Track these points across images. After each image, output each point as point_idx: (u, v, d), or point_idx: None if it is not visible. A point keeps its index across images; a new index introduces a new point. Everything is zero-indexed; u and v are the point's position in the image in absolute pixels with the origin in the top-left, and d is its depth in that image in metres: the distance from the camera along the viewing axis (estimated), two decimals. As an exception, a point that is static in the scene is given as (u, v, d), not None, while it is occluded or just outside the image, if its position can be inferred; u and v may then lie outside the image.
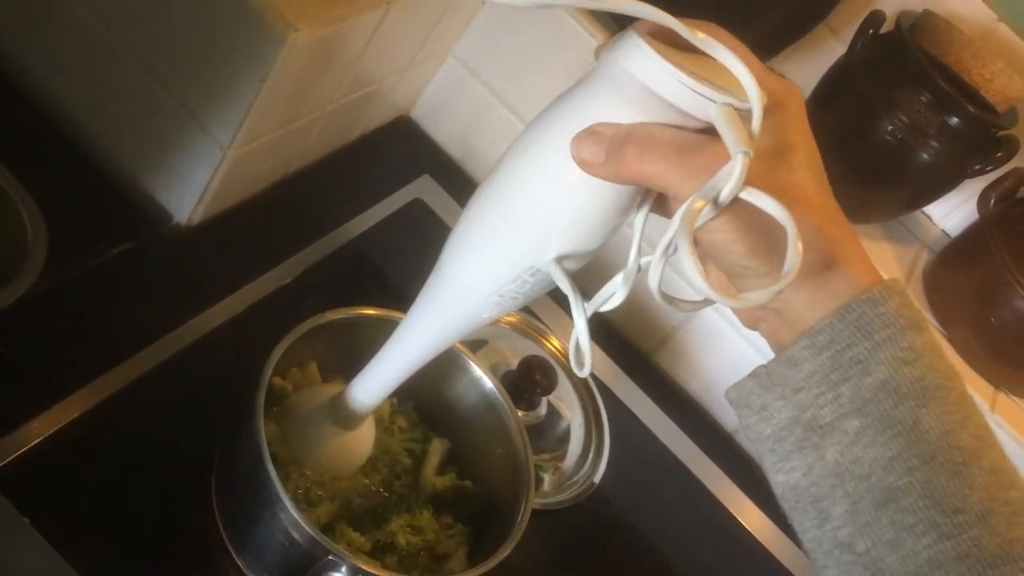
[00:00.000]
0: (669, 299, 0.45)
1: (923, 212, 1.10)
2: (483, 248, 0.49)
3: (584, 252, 0.47)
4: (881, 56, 0.91)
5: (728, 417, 1.04)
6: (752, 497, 0.98)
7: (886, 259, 1.02)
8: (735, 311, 0.47)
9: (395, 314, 0.72)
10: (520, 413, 0.87)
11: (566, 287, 0.47)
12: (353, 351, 0.71)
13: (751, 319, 0.46)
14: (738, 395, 0.45)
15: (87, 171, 0.79)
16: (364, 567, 0.60)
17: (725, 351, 1.00)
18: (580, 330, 0.47)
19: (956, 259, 1.01)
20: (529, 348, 0.94)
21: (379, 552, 0.68)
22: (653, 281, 0.42)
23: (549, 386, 0.86)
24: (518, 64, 0.98)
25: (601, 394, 0.95)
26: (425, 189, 1.00)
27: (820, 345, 0.42)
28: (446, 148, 1.06)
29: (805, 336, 0.42)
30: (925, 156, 0.90)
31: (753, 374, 0.44)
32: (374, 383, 0.62)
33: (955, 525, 0.40)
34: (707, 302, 0.45)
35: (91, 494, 0.64)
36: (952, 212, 1.09)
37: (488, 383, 0.75)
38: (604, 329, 1.00)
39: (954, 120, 0.88)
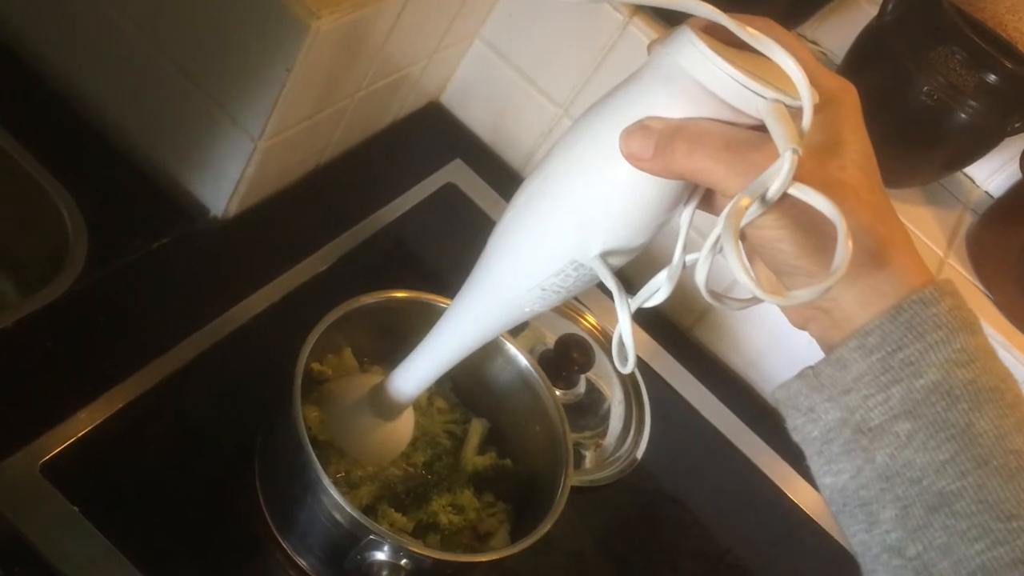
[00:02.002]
0: (717, 297, 0.45)
1: (965, 174, 1.08)
2: (527, 240, 0.49)
3: (629, 248, 0.47)
4: (913, 16, 0.89)
5: (770, 389, 1.03)
6: (798, 469, 0.97)
7: (928, 223, 1.00)
8: (784, 310, 0.46)
9: (428, 296, 0.72)
10: (559, 392, 0.87)
11: (610, 282, 0.47)
12: (387, 335, 0.72)
13: (800, 319, 0.46)
14: (785, 395, 0.45)
15: (124, 169, 0.80)
16: (407, 545, 0.61)
17: (765, 324, 1.00)
18: (624, 326, 0.47)
19: (1000, 220, 0.99)
20: (566, 327, 0.94)
21: (421, 532, 0.69)
22: (700, 279, 0.42)
23: (587, 364, 0.86)
24: (545, 45, 0.98)
25: (641, 370, 0.95)
26: (457, 173, 1.00)
27: (870, 346, 0.41)
28: (477, 132, 1.06)
29: (854, 337, 0.42)
30: (963, 116, 0.88)
31: (800, 375, 0.44)
32: (415, 374, 0.63)
33: (1009, 531, 0.39)
34: (757, 300, 0.45)
35: (138, 482, 0.65)
36: (995, 173, 1.07)
37: (524, 362, 0.75)
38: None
39: (991, 77, 0.86)
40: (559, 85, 0.99)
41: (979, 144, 0.92)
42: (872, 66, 0.93)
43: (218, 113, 0.75)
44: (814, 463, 0.44)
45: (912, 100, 0.89)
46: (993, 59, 0.85)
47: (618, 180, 0.44)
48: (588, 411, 0.90)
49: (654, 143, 0.42)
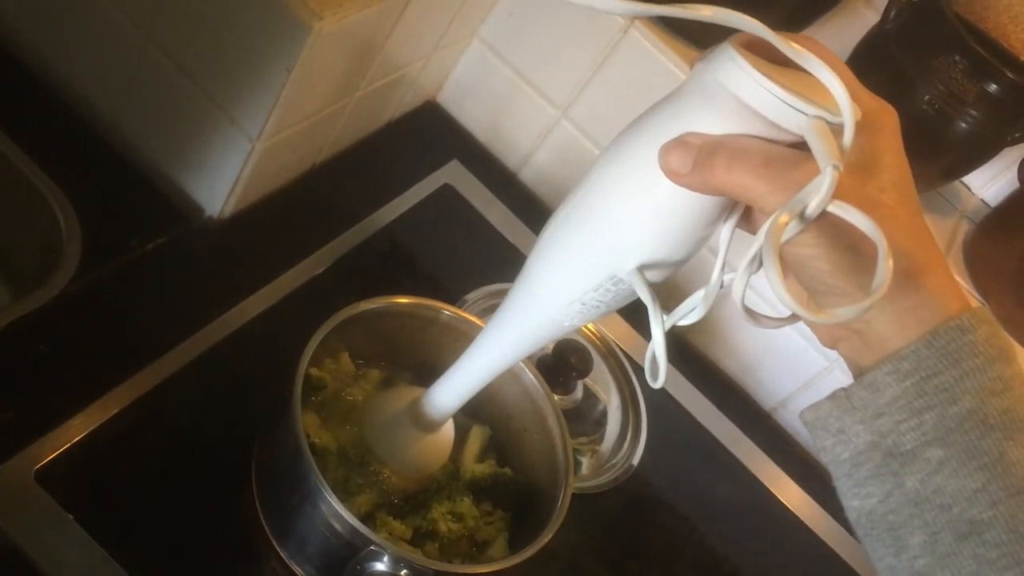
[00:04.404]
0: (752, 315, 0.44)
1: (961, 182, 1.08)
2: (567, 254, 0.50)
3: (667, 264, 0.47)
4: (916, 23, 0.89)
5: (765, 395, 1.03)
6: (792, 475, 0.97)
7: (924, 231, 1.00)
8: (814, 328, 0.46)
9: (427, 302, 0.72)
10: (556, 397, 0.86)
11: (646, 297, 0.47)
12: (385, 339, 0.71)
13: (831, 338, 0.45)
14: (815, 417, 0.44)
15: (119, 168, 0.79)
16: (407, 557, 0.60)
17: (759, 330, 0.99)
18: (657, 342, 0.47)
19: (997, 229, 0.99)
20: (563, 331, 0.93)
21: (420, 539, 0.68)
22: (736, 296, 0.42)
23: (584, 369, 0.86)
24: (544, 45, 0.97)
25: (637, 376, 0.94)
26: (454, 174, 0.99)
27: (904, 371, 0.41)
28: (474, 132, 1.05)
29: (889, 361, 0.42)
30: (963, 125, 0.88)
31: (831, 396, 0.44)
32: (455, 389, 0.63)
33: None
34: (792, 318, 0.45)
35: (133, 489, 0.64)
36: (991, 181, 1.07)
37: (525, 370, 0.74)
38: (635, 308, 0.99)
39: (993, 87, 0.86)
40: (558, 86, 0.98)
41: (979, 154, 0.92)
42: (873, 74, 0.91)
43: (216, 113, 0.73)
44: (842, 485, 0.44)
45: (913, 109, 0.88)
46: (995, 69, 0.85)
47: (656, 195, 0.45)
48: (585, 417, 0.90)
49: (692, 158, 0.42)
